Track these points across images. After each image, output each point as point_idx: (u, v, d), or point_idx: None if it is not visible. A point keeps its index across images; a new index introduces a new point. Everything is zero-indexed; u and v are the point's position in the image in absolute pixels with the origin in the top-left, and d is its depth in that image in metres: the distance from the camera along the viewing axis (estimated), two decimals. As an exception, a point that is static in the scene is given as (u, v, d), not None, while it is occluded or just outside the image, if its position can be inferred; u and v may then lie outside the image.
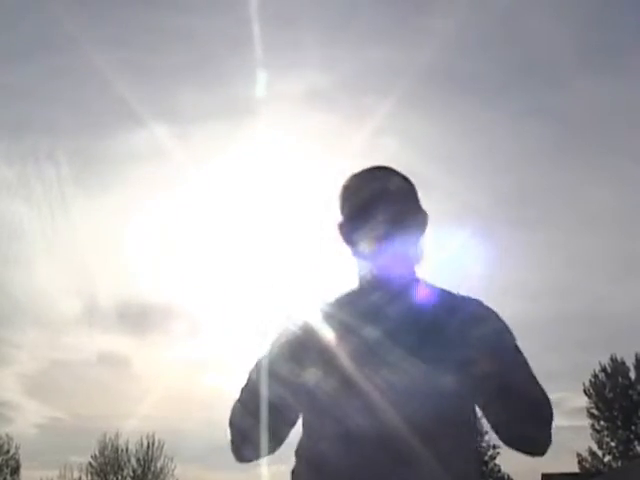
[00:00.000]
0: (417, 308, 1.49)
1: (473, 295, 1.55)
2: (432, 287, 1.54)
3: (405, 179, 1.57)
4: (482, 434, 30.88)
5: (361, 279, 1.55)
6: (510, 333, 1.52)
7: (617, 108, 29.09)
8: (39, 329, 33.63)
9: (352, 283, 1.56)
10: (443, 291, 1.55)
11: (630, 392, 28.64)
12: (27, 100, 30.02)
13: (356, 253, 1.54)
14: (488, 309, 1.53)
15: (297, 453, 1.51)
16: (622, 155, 30.81)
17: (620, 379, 28.90)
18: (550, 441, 1.49)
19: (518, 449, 1.48)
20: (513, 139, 29.10)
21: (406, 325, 1.45)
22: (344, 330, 1.47)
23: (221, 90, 31.16)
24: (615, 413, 28.42)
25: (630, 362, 29.13)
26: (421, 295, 1.50)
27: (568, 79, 31.16)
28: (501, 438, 1.46)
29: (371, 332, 1.45)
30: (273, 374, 1.50)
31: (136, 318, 34.04)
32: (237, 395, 1.56)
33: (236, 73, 22.54)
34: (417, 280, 1.54)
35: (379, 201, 1.50)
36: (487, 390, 1.42)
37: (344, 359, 1.44)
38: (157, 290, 34.43)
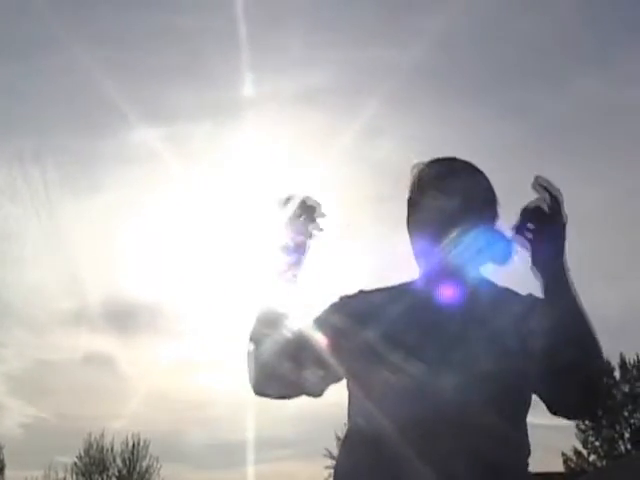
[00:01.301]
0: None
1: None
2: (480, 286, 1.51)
3: (479, 178, 1.54)
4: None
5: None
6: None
7: (611, 106, 29.24)
8: (25, 328, 33.38)
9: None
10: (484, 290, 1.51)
11: (615, 392, 28.80)
12: (14, 100, 29.81)
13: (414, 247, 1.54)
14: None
15: None
16: (616, 154, 30.98)
17: (605, 379, 29.01)
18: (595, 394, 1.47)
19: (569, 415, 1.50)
20: (506, 137, 29.18)
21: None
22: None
23: (211, 91, 31.04)
24: (600, 413, 28.58)
25: (615, 362, 29.32)
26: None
27: (560, 77, 31.29)
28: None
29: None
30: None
31: (123, 318, 33.92)
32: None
33: (225, 74, 22.43)
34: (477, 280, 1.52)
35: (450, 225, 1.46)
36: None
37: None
38: (145, 290, 34.23)
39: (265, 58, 20.61)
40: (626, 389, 28.98)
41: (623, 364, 29.13)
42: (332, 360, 1.45)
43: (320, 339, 1.46)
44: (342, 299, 1.55)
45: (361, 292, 1.56)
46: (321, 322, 1.50)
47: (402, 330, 1.43)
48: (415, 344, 1.40)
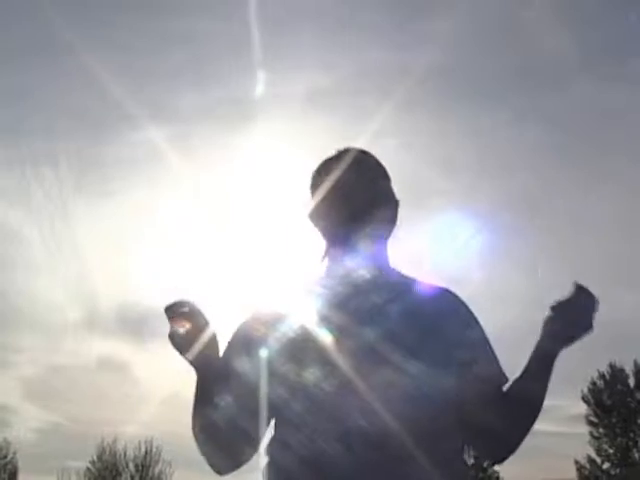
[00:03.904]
0: (417, 306, 1.48)
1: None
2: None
3: (378, 166, 1.56)
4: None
5: (346, 272, 1.52)
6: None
7: (618, 111, 29.15)
8: (39, 334, 33.65)
9: (320, 269, 1.54)
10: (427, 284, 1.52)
11: (629, 399, 28.58)
12: (24, 104, 30.08)
13: (326, 242, 1.54)
14: (461, 301, 1.52)
15: (283, 451, 1.47)
16: (623, 159, 30.84)
17: (619, 386, 28.84)
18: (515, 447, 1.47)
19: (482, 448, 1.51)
20: (513, 142, 29.16)
21: (406, 324, 1.44)
22: (344, 330, 1.45)
23: (220, 92, 31.21)
24: (614, 420, 28.36)
25: (629, 369, 29.11)
26: (424, 292, 1.48)
27: (569, 82, 31.23)
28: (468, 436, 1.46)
29: (371, 332, 1.43)
30: (272, 373, 1.48)
31: (136, 323, 33.96)
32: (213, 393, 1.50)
33: (235, 75, 22.59)
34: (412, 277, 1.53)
35: (345, 195, 1.49)
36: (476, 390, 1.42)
37: (344, 359, 1.42)
38: (157, 295, 34.41)
39: (275, 59, 20.72)
40: (640, 396, 28.76)
41: (637, 371, 28.89)
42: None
43: (327, 334, 1.46)
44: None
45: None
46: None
47: (401, 330, 1.44)
48: (413, 344, 1.41)
